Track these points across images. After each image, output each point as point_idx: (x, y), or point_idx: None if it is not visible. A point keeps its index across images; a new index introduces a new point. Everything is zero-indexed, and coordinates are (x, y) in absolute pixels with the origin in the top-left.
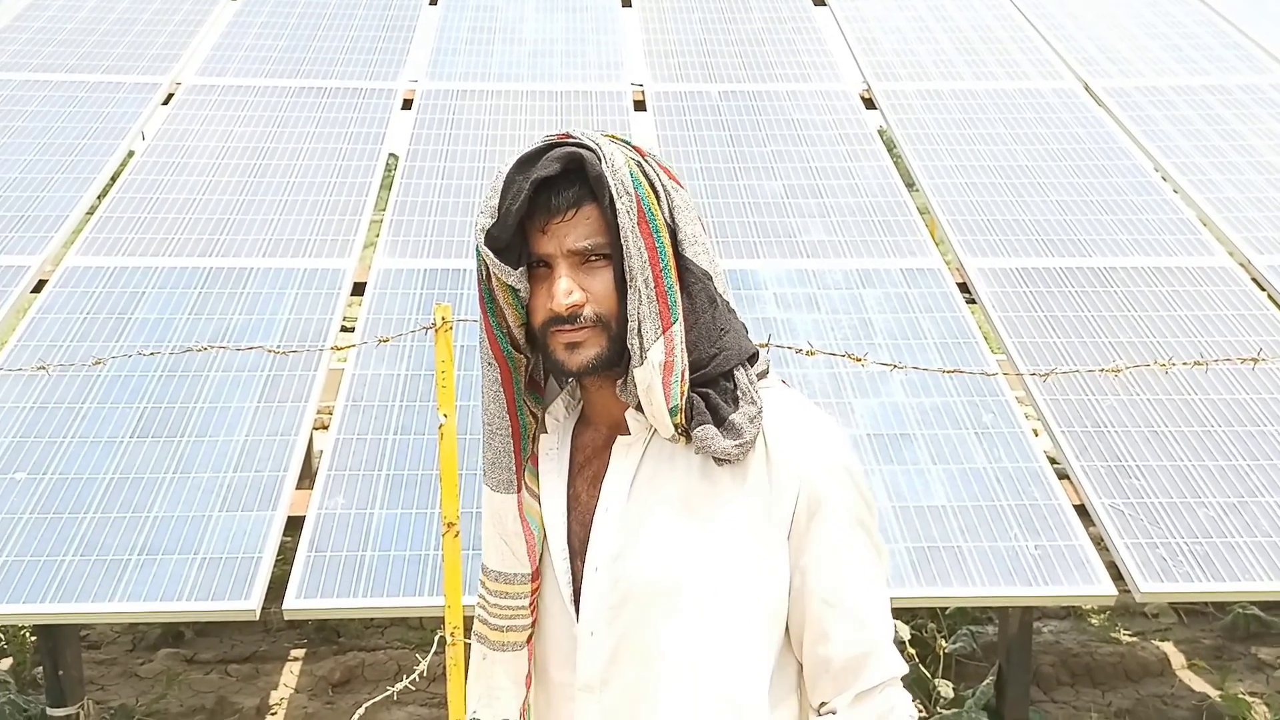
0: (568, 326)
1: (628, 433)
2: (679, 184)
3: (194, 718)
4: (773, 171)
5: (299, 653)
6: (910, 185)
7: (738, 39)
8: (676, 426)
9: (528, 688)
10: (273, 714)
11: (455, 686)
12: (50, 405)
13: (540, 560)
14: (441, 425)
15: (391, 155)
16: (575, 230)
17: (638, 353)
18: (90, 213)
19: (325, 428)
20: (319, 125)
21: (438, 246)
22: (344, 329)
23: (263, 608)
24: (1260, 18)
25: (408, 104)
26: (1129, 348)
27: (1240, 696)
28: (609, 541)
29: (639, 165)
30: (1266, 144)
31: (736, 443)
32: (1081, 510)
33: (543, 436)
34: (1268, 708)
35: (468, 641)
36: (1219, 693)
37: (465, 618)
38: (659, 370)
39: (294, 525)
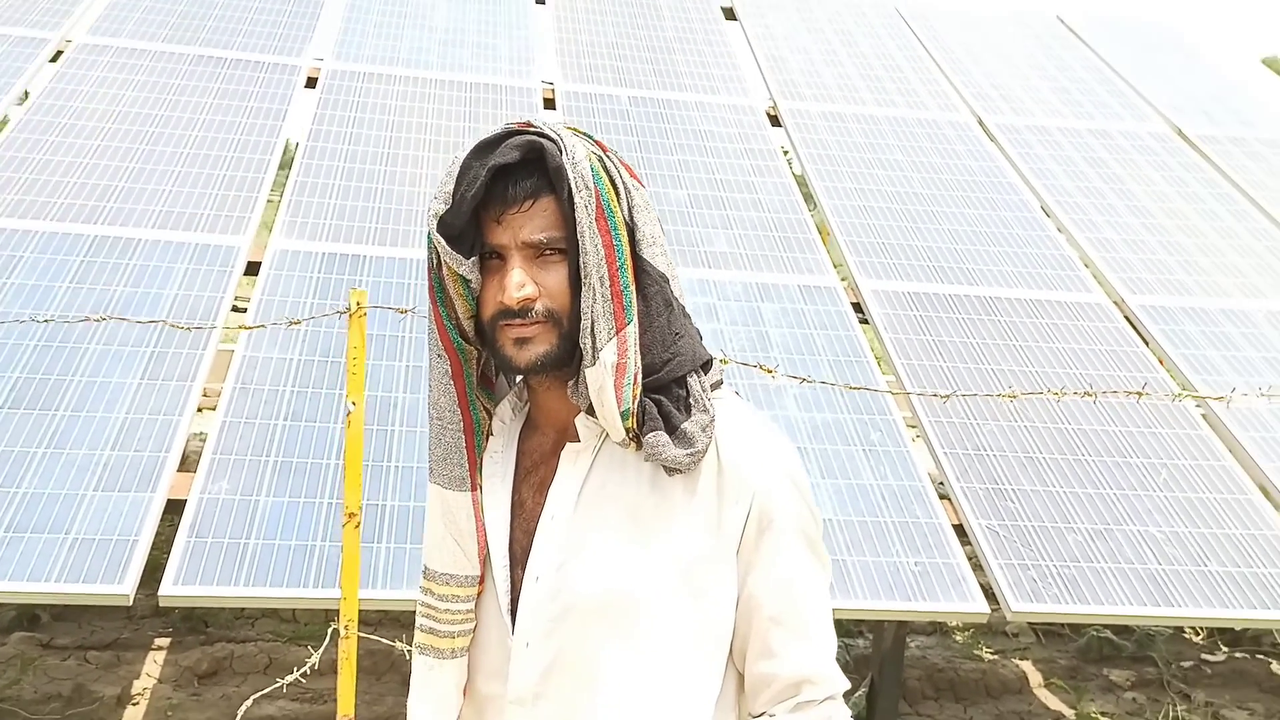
0: (518, 320)
1: (576, 438)
2: (639, 183)
3: (49, 705)
4: (679, 180)
5: (164, 642)
6: (810, 201)
7: (649, 45)
8: (628, 430)
9: (464, 697)
10: (134, 704)
11: (346, 680)
12: None
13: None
14: (350, 413)
15: (289, 140)
16: (531, 222)
17: (590, 352)
18: None
19: (203, 410)
20: (217, 96)
21: (338, 230)
22: (235, 309)
23: (135, 593)
24: (1142, 68)
25: (311, 82)
26: (1010, 375)
27: (1093, 715)
28: (553, 551)
29: (600, 160)
30: (1143, 189)
31: (688, 451)
32: (959, 529)
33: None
34: None
35: (362, 635)
36: (1074, 712)
37: (360, 611)
38: (611, 372)
39: (173, 509)
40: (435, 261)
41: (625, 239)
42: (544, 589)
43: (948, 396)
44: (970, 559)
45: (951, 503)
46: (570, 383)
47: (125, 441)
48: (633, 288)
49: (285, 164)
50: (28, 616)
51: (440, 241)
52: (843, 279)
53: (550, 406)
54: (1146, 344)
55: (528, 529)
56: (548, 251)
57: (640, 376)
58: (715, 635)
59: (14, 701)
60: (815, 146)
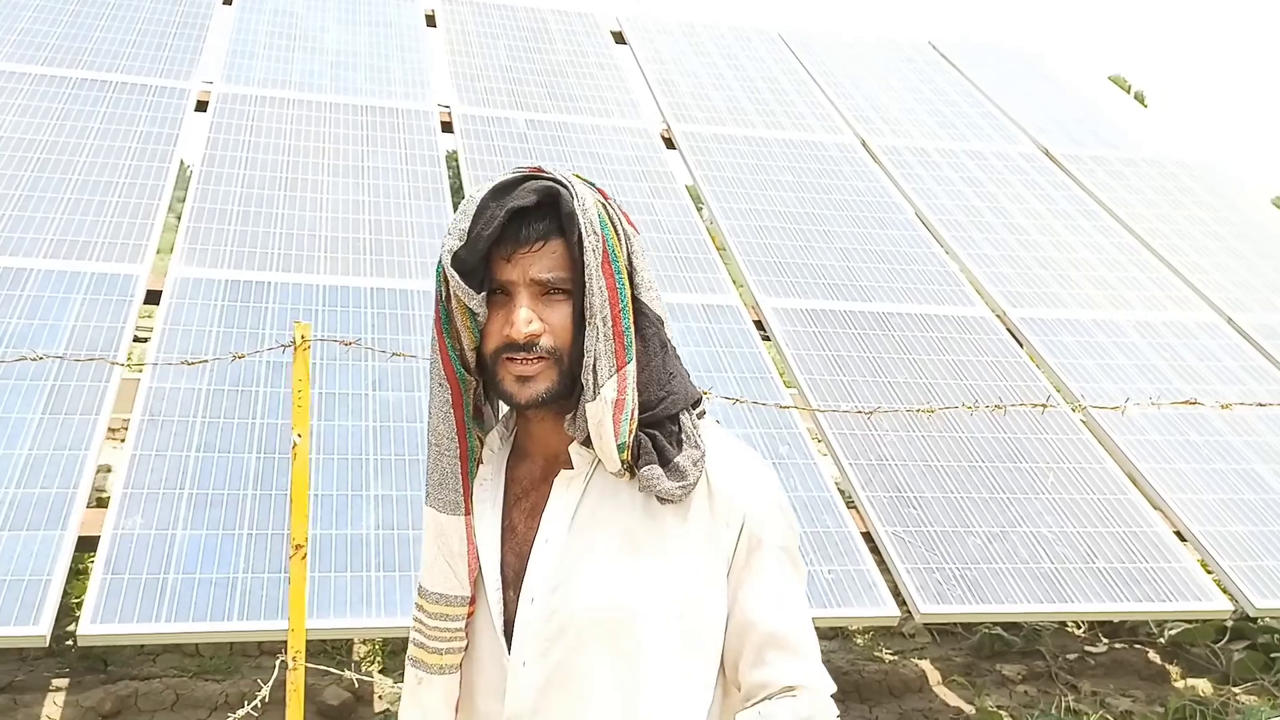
0: (521, 355)
1: (567, 465)
2: (635, 229)
3: None
4: None
5: (62, 682)
6: (707, 223)
7: (542, 69)
8: (623, 462)
9: (456, 712)
10: None
11: (294, 711)
12: None
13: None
14: (295, 445)
15: (183, 162)
16: (540, 262)
17: (591, 388)
18: None
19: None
20: (105, 121)
21: (239, 257)
22: (137, 339)
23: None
24: (1009, 92)
25: (202, 105)
26: (906, 387)
27: (991, 710)
28: (548, 573)
29: (604, 208)
30: (1017, 207)
31: (680, 484)
32: (868, 537)
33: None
34: (1013, 719)
35: (320, 668)
36: (973, 707)
37: (308, 642)
38: (610, 407)
39: (84, 546)
40: (444, 294)
41: (627, 282)
42: (539, 610)
43: (871, 413)
44: (879, 565)
45: (859, 511)
46: (568, 416)
47: (30, 479)
48: (632, 329)
49: (180, 189)
50: None
51: (454, 276)
52: (743, 297)
53: (541, 436)
54: (1035, 362)
55: (520, 553)
56: (553, 291)
57: (637, 412)
58: (707, 651)
59: None
60: (710, 168)
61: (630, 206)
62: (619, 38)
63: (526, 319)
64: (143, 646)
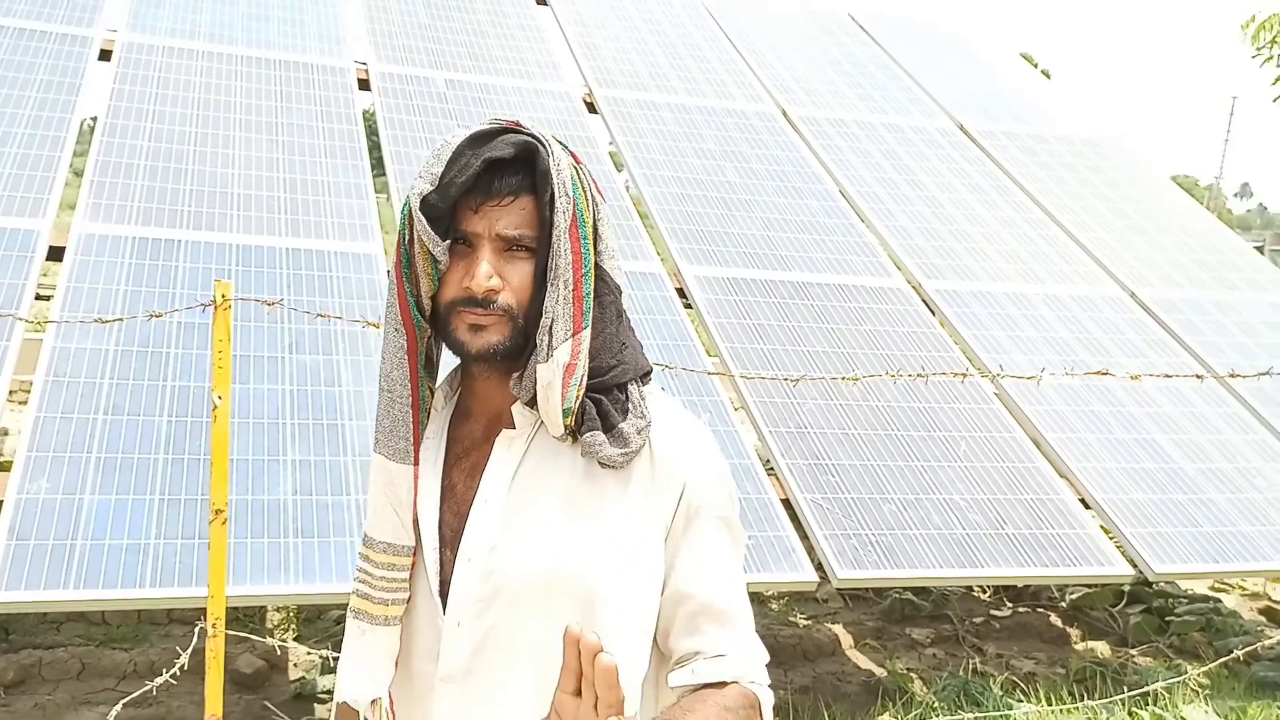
0: (479, 310)
1: (509, 425)
2: (602, 196)
3: None
4: None
5: None
6: (626, 186)
7: (463, 29)
8: (566, 427)
9: (396, 667)
10: None
11: (214, 681)
12: None
13: None
14: (215, 408)
15: (88, 118)
16: (508, 216)
17: (545, 349)
18: None
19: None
20: (2, 69)
21: (148, 214)
22: (40, 296)
23: None
24: (927, 66)
25: (106, 55)
26: (824, 356)
27: (901, 672)
28: (486, 533)
29: (576, 171)
30: (933, 180)
31: (622, 451)
32: (786, 504)
33: None
34: (924, 682)
35: (233, 634)
36: (884, 670)
37: (232, 610)
38: (561, 370)
39: None
40: (408, 238)
41: (592, 249)
42: (476, 570)
43: (798, 380)
44: (798, 531)
45: (778, 478)
46: (515, 375)
47: None
48: (592, 295)
49: (83, 141)
50: None
51: (421, 220)
52: (665, 265)
53: (486, 394)
54: (948, 332)
55: (458, 512)
56: (516, 248)
57: (586, 379)
58: (644, 617)
59: None
60: (632, 134)
61: None
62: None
63: (487, 273)
64: (46, 615)
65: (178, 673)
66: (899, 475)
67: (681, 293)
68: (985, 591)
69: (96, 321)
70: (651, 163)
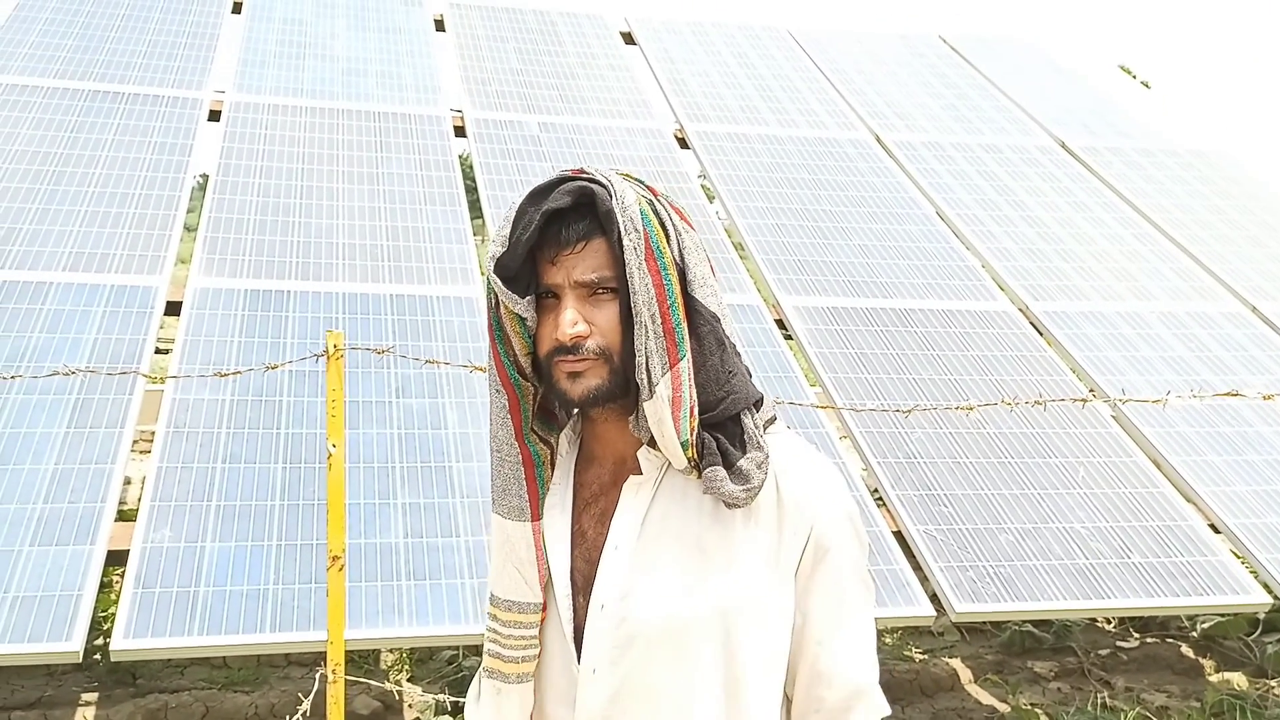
0: (571, 357)
1: (634, 469)
2: (690, 225)
3: None
4: None
5: (91, 696)
6: (725, 222)
7: (553, 72)
8: (689, 459)
9: None
10: None
11: None
12: None
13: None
14: (330, 455)
15: (199, 177)
16: (583, 262)
17: (646, 387)
18: None
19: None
20: (119, 133)
21: (258, 266)
22: (159, 350)
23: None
24: (1022, 84)
25: (215, 115)
26: (931, 384)
27: (1025, 708)
28: (617, 580)
29: (650, 204)
30: (1035, 200)
31: (745, 488)
32: (899, 536)
33: None
34: (1049, 717)
35: (348, 679)
36: (1007, 705)
37: (346, 653)
38: (667, 404)
39: (114, 560)
40: (494, 301)
41: (675, 279)
42: (609, 617)
43: (910, 411)
44: (911, 564)
45: (888, 510)
46: (631, 417)
47: (58, 493)
48: (684, 326)
49: (196, 199)
50: None
51: (497, 282)
52: (763, 297)
53: (608, 439)
54: (1060, 355)
55: (589, 558)
56: (599, 291)
57: (696, 410)
58: (774, 660)
59: None
60: (725, 168)
61: None
62: (628, 38)
63: (571, 320)
64: (170, 659)
65: (300, 719)
66: (1015, 504)
67: (781, 324)
68: (1110, 622)
69: (217, 375)
70: (745, 195)
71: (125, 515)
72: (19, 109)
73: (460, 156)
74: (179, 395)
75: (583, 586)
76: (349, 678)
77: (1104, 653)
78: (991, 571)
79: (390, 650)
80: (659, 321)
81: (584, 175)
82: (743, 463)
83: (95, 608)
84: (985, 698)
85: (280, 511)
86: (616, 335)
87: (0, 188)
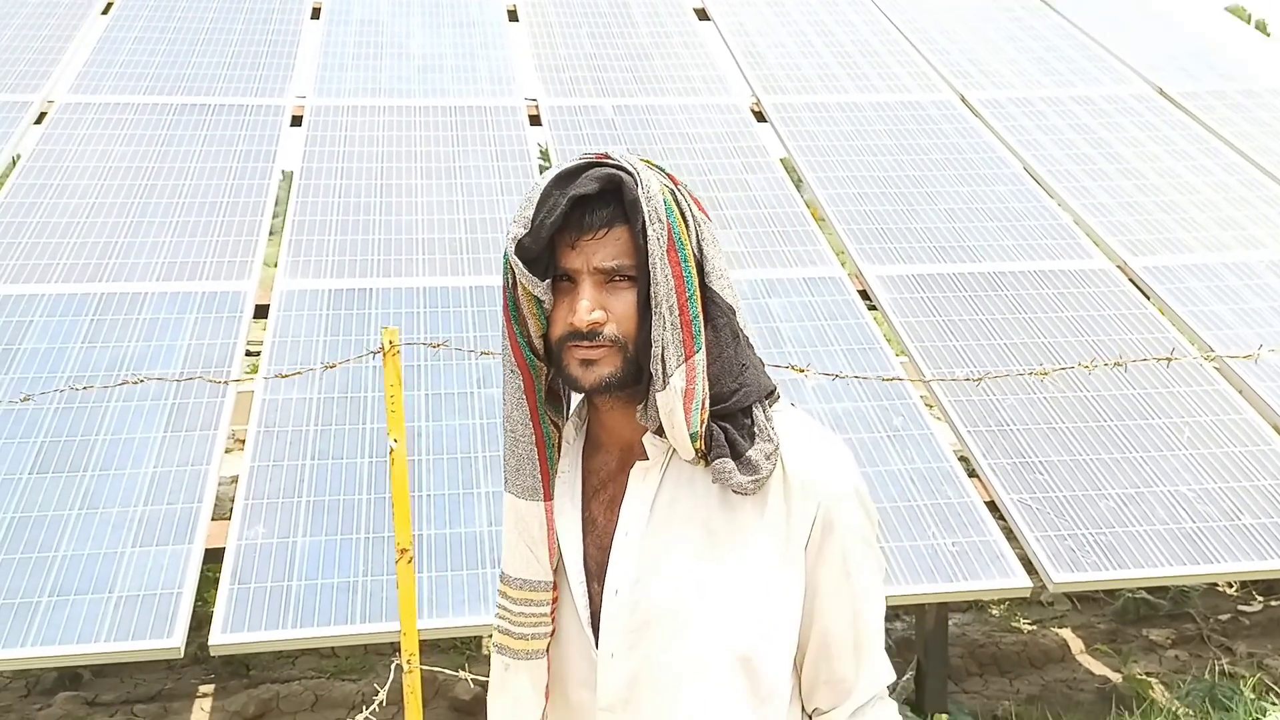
0: (585, 343)
1: (641, 456)
2: (707, 216)
3: None
4: None
5: (208, 688)
6: (804, 193)
7: (626, 54)
8: (697, 451)
9: (546, 698)
10: None
11: (413, 713)
12: None
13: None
14: (392, 450)
15: (284, 172)
16: (604, 249)
17: (660, 378)
18: None
19: (230, 451)
20: (205, 143)
21: (340, 266)
22: (248, 353)
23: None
24: (1115, 31)
25: (297, 120)
26: (1024, 348)
27: (1139, 677)
28: (630, 565)
29: (672, 194)
30: (1132, 151)
31: (753, 478)
32: (992, 506)
33: None
34: (1165, 686)
35: (424, 668)
36: (1119, 675)
37: (420, 643)
38: (680, 396)
39: (211, 557)
40: (510, 281)
41: (695, 271)
42: (623, 603)
43: (980, 379)
44: (1006, 534)
45: (981, 480)
46: (640, 405)
47: (157, 495)
48: (701, 318)
49: (281, 204)
50: (70, 675)
51: (518, 264)
52: (846, 268)
53: (614, 425)
54: (1163, 312)
55: (601, 545)
56: (617, 279)
57: (708, 402)
58: (786, 639)
59: None
60: (803, 139)
61: (723, 184)
62: (702, 14)
63: (588, 308)
64: (281, 651)
65: (376, 708)
66: (1115, 469)
67: (864, 295)
68: (1232, 586)
69: (279, 377)
70: (825, 165)
71: (226, 514)
72: (112, 126)
73: (540, 147)
74: (268, 396)
75: (596, 573)
76: (427, 667)
77: (1224, 618)
78: (1091, 539)
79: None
80: (677, 313)
81: (610, 161)
82: (751, 453)
83: (208, 602)
84: (1097, 668)
85: (367, 505)
86: (632, 324)
87: (96, 203)
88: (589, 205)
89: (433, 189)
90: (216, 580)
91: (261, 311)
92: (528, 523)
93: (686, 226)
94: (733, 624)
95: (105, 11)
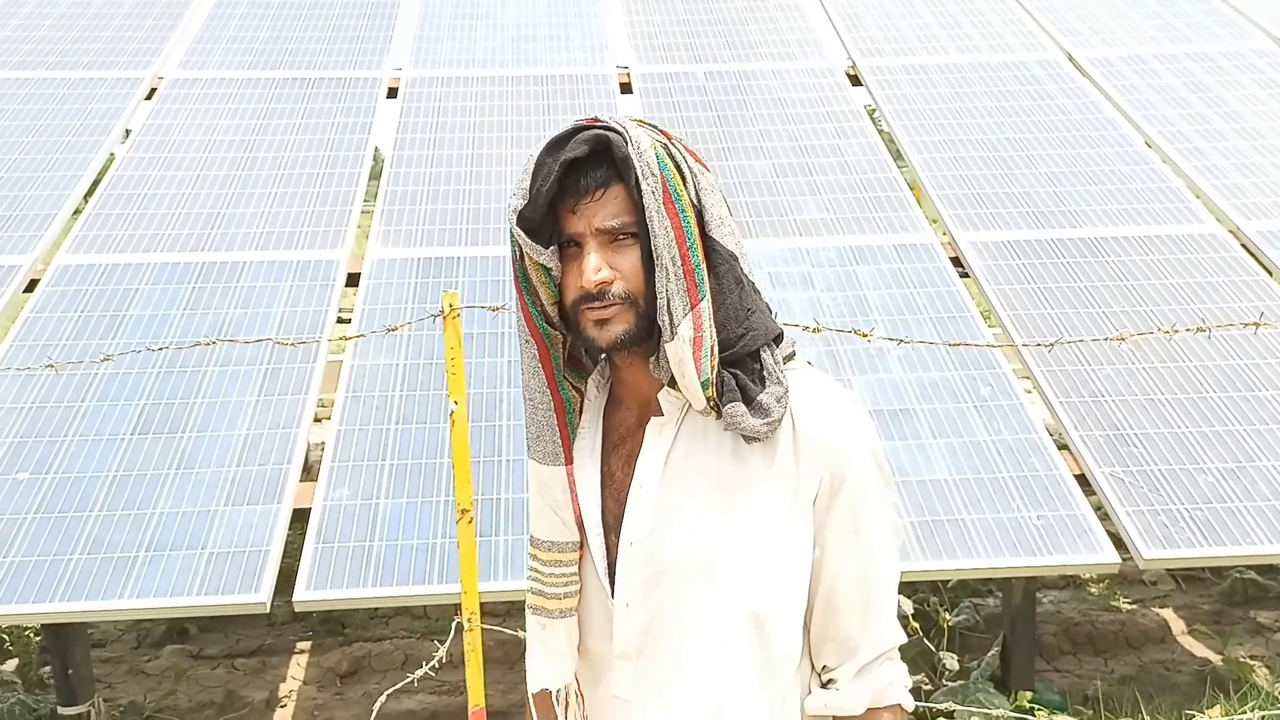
0: (597, 304)
1: (659, 412)
2: (705, 166)
3: (203, 713)
4: (762, 150)
5: (305, 645)
6: (898, 161)
7: (721, 19)
8: (708, 400)
9: (579, 655)
10: (282, 706)
11: (474, 671)
12: (49, 405)
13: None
14: (453, 412)
15: (378, 146)
16: (603, 210)
17: (668, 329)
18: (78, 211)
19: (320, 420)
20: (305, 116)
21: (430, 235)
22: (340, 319)
23: (271, 600)
24: None
25: (393, 92)
26: (1124, 317)
27: (1241, 660)
28: (644, 518)
29: (665, 148)
30: (1251, 110)
31: (765, 421)
32: (1082, 480)
33: None
34: (1269, 670)
35: (488, 626)
36: (1220, 657)
37: (481, 603)
38: (689, 345)
39: (299, 518)
40: (518, 253)
41: (693, 220)
42: (638, 553)
43: (1052, 345)
44: (1096, 509)
45: (1071, 453)
46: (651, 359)
47: (249, 457)
48: (704, 267)
49: (375, 174)
50: (177, 629)
51: (520, 234)
52: (940, 234)
53: (633, 382)
54: (1269, 271)
55: (619, 498)
56: (621, 236)
57: (716, 349)
58: (796, 590)
59: (171, 711)
60: (899, 102)
61: (814, 149)
62: None
63: (595, 267)
64: (375, 610)
65: (437, 664)
66: (1216, 442)
67: (956, 262)
68: None
69: (342, 339)
70: (920, 129)
71: (313, 476)
72: (218, 100)
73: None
74: (356, 361)
75: (614, 525)
76: (498, 628)
77: None
78: (1186, 515)
79: None
80: (679, 263)
81: (599, 124)
82: (762, 397)
83: (294, 562)
84: (1198, 650)
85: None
86: (640, 279)
87: (201, 175)
88: (582, 168)
89: (521, 159)
90: (303, 539)
91: (354, 280)
92: (550, 487)
93: (683, 178)
94: (744, 577)
95: None
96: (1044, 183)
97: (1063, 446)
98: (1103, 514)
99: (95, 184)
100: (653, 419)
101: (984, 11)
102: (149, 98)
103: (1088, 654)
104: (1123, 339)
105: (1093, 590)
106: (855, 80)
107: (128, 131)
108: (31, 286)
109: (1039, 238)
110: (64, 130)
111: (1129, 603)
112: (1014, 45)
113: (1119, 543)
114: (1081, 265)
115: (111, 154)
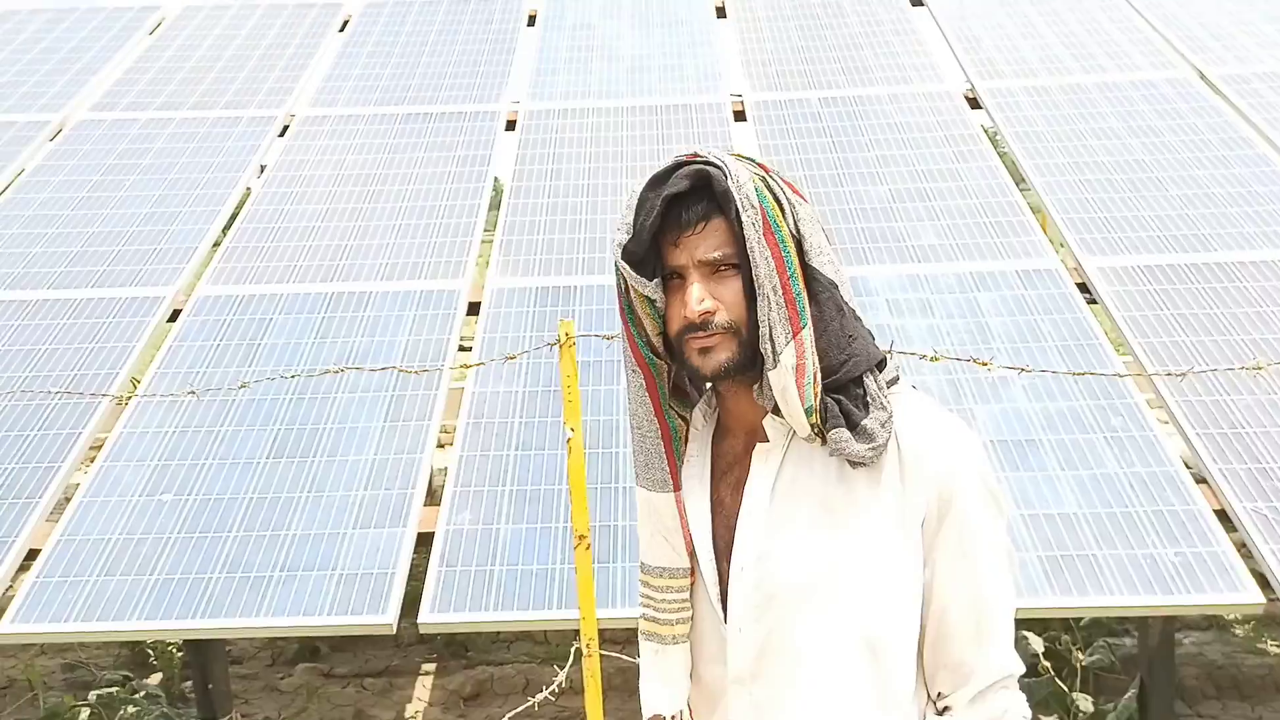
0: (701, 333)
1: (765, 439)
2: (802, 198)
3: None
4: (878, 176)
5: (430, 667)
6: (1020, 184)
7: (835, 44)
8: (813, 426)
9: (692, 681)
10: None
11: (593, 697)
12: (191, 429)
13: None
14: (569, 439)
15: (497, 177)
16: (705, 242)
17: (770, 357)
18: (217, 244)
19: (442, 446)
20: (427, 150)
21: (548, 265)
22: (462, 348)
23: (398, 621)
24: None
25: (511, 125)
26: (1263, 344)
27: None
28: (754, 543)
29: (763, 180)
30: None
31: (869, 446)
32: (1222, 515)
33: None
34: None
35: (603, 653)
36: None
37: (601, 630)
38: (792, 373)
39: (423, 541)
40: (624, 286)
41: (793, 250)
42: (748, 579)
43: (1185, 374)
44: (1239, 546)
45: (1210, 487)
46: (755, 386)
47: (376, 481)
48: (804, 295)
49: (494, 204)
50: (309, 648)
51: (625, 268)
52: (1064, 259)
53: (739, 410)
54: None
55: (729, 524)
56: (723, 268)
57: (819, 376)
58: (908, 615)
59: None
60: (1020, 124)
61: (932, 174)
62: (916, 1)
63: (698, 298)
64: (498, 634)
65: (556, 689)
66: None
67: (1083, 288)
68: None
69: (462, 368)
70: (1043, 151)
71: (437, 500)
72: (346, 137)
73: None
74: (477, 389)
75: (724, 551)
76: (609, 653)
77: None
78: None
79: None
80: (780, 292)
81: (699, 158)
82: (866, 422)
83: (419, 585)
84: None
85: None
86: (742, 309)
87: (329, 209)
88: (684, 202)
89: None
90: (427, 562)
91: (474, 309)
92: (661, 513)
93: (781, 209)
94: (854, 600)
95: (342, 29)
96: (1175, 205)
97: (1200, 480)
98: (1245, 552)
99: (233, 217)
100: (759, 445)
101: (1108, 30)
102: (282, 134)
103: (1233, 699)
104: (1260, 367)
105: (1237, 632)
106: (974, 103)
107: (263, 167)
108: (174, 316)
109: (1171, 262)
110: (204, 167)
111: (1278, 646)
112: (1141, 64)
113: (1264, 582)
114: (1216, 291)
115: (248, 188)
